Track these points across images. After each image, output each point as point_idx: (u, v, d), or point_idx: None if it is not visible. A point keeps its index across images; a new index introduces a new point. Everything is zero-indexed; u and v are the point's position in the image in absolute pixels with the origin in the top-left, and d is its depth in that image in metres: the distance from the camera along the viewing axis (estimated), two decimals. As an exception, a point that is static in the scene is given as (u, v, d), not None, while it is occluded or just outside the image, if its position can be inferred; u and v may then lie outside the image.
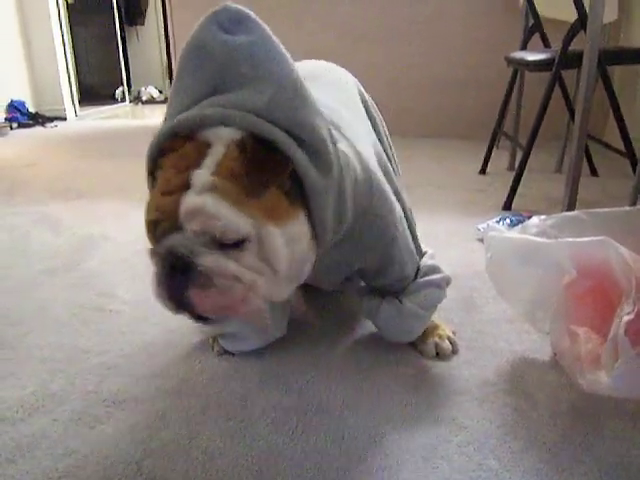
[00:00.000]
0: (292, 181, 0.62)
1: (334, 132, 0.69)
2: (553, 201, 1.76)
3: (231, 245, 0.59)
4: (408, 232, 0.85)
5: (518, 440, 0.70)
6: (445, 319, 1.01)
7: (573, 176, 1.49)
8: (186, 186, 0.59)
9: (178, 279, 0.59)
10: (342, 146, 0.69)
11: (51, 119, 4.09)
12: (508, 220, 1.49)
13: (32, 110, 4.12)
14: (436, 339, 0.90)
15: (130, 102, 5.79)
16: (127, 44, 5.93)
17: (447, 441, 0.70)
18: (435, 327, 0.92)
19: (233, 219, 0.58)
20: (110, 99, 5.46)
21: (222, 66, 0.63)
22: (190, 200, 0.58)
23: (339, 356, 0.90)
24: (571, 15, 1.62)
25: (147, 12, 6.13)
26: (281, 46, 0.63)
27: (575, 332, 0.78)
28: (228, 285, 0.60)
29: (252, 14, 0.64)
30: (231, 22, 0.63)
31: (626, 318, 0.66)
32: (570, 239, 0.81)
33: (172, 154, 0.63)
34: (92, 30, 5.32)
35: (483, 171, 2.23)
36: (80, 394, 0.81)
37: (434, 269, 0.89)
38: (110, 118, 4.58)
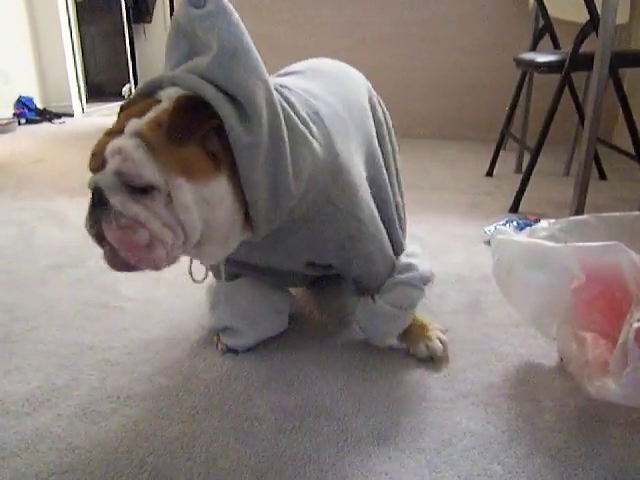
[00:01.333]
0: (222, 144, 0.64)
1: (307, 113, 0.73)
2: (560, 204, 1.75)
3: (140, 191, 0.62)
4: (381, 229, 0.85)
5: (523, 446, 0.69)
6: (451, 322, 1.00)
7: (582, 180, 1.48)
8: (122, 131, 0.64)
9: (96, 212, 0.63)
10: (305, 129, 0.71)
11: (59, 115, 4.10)
12: (515, 223, 1.48)
13: (40, 106, 4.14)
14: (426, 341, 0.89)
15: (137, 99, 5.79)
16: (134, 42, 5.94)
17: (451, 445, 0.69)
18: (423, 328, 0.91)
19: (143, 164, 0.61)
20: (117, 96, 5.48)
21: (189, 37, 0.69)
22: (116, 141, 0.63)
23: (344, 357, 0.90)
24: (582, 16, 1.60)
25: (154, 10, 6.13)
26: (235, 15, 0.66)
27: (583, 337, 0.77)
28: (131, 226, 0.62)
29: None
30: None
31: (636, 325, 0.65)
32: (580, 243, 0.80)
33: (129, 108, 0.69)
34: (100, 27, 5.34)
35: (490, 173, 2.22)
36: (85, 390, 0.81)
37: (409, 267, 0.88)
38: (117, 115, 4.59)
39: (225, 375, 0.84)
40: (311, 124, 0.73)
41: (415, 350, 0.89)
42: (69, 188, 2.02)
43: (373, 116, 0.94)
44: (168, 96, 0.66)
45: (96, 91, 5.16)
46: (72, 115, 4.27)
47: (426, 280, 0.89)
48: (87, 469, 0.66)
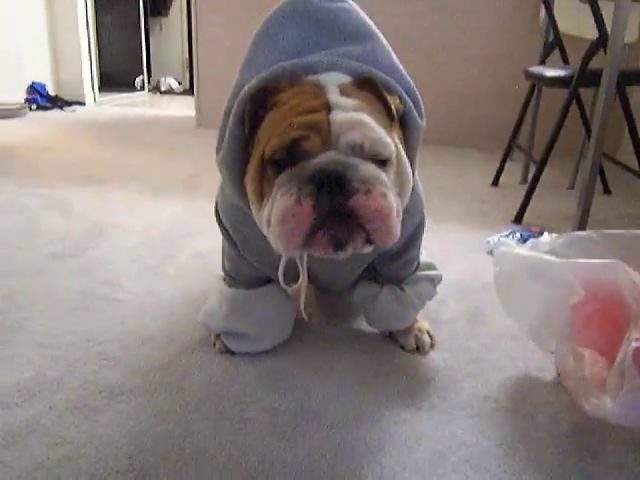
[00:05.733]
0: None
1: None
2: (564, 217, 1.74)
3: (378, 163, 0.61)
4: None
5: (516, 461, 0.69)
6: (449, 330, 1.00)
7: (586, 194, 1.47)
8: (327, 107, 0.61)
9: (332, 195, 0.57)
10: None
11: (70, 103, 4.11)
12: (518, 234, 1.47)
13: (52, 93, 4.16)
14: (416, 332, 0.94)
15: (149, 91, 5.82)
16: (150, 34, 5.97)
17: (444, 458, 0.69)
18: (415, 322, 0.95)
19: (385, 135, 0.61)
20: (129, 87, 5.50)
21: (323, 25, 0.72)
22: (344, 114, 0.60)
23: (341, 362, 0.89)
24: (591, 32, 1.60)
25: (172, 4, 6.16)
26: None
27: (581, 353, 0.77)
28: (386, 193, 0.59)
29: None
30: None
31: (634, 344, 0.64)
32: (581, 260, 0.80)
33: (286, 92, 0.64)
34: (116, 18, 5.37)
35: (495, 183, 2.21)
36: (78, 383, 0.81)
37: (431, 266, 0.95)
38: (128, 106, 4.60)
39: (220, 375, 0.84)
40: None
41: (405, 341, 0.93)
42: (76, 177, 2.03)
43: None
44: (328, 80, 0.65)
45: (109, 81, 5.19)
46: (84, 104, 4.29)
47: (440, 280, 0.95)
48: (75, 465, 0.65)
